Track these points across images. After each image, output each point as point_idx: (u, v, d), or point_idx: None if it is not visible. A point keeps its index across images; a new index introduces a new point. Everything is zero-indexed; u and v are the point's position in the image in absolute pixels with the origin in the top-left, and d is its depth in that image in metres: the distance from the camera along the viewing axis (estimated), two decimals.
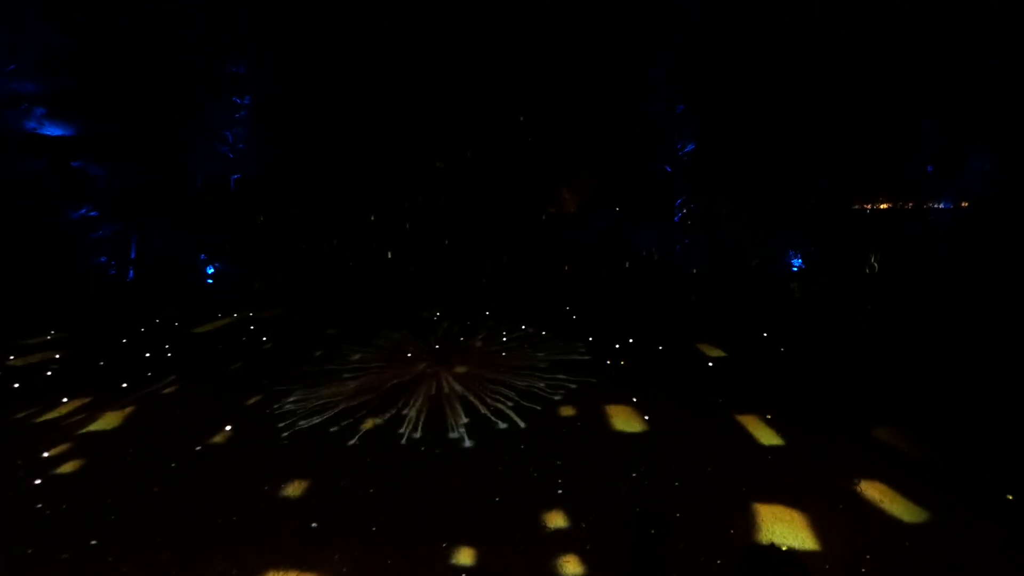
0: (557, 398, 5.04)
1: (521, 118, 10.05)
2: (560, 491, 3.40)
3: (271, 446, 4.21)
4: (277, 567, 2.79)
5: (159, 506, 3.38)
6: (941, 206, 10.12)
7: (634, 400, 4.95)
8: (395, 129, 10.34)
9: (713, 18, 10.04)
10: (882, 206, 10.12)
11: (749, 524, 3.03)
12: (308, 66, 10.35)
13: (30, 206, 9.97)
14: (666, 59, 9.90)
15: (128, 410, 5.00)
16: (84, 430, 4.58)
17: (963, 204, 9.98)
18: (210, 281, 10.64)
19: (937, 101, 10.04)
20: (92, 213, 10.48)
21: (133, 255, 10.56)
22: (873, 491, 3.35)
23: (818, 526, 2.96)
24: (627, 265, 10.40)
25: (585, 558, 2.79)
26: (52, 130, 10.30)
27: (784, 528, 2.95)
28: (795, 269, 9.97)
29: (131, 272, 10.58)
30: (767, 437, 4.17)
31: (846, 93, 10.01)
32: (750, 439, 4.16)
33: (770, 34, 9.96)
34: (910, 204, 9.96)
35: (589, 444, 4.15)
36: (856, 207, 10.12)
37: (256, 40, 10.35)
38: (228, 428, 4.52)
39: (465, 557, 2.82)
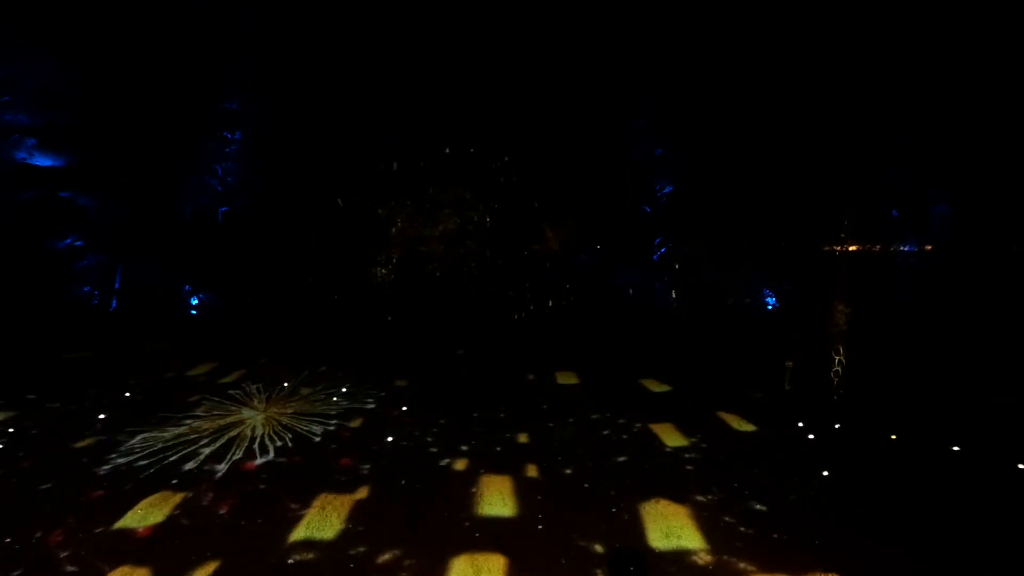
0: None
1: (506, 158, 10.40)
2: None
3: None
4: None
5: None
6: (906, 248, 10.58)
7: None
8: (382, 168, 10.62)
9: (692, 66, 10.59)
10: (851, 248, 10.52)
11: None
12: (300, 104, 10.66)
13: (17, 235, 10.03)
14: (646, 105, 10.38)
15: None
16: None
17: (927, 247, 10.46)
18: (194, 312, 10.68)
19: (902, 150, 10.61)
20: (78, 243, 10.54)
21: (117, 285, 10.60)
22: None
23: None
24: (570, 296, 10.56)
25: None
26: (42, 160, 10.42)
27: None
28: (769, 308, 10.30)
29: (114, 302, 10.59)
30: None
31: (817, 141, 10.53)
32: None
33: (747, 83, 10.51)
34: (877, 247, 10.39)
35: None
36: (826, 249, 10.51)
37: (251, 77, 10.67)
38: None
39: None
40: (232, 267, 10.71)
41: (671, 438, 4.99)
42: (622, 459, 4.49)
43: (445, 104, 10.89)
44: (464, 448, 4.71)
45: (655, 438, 5.00)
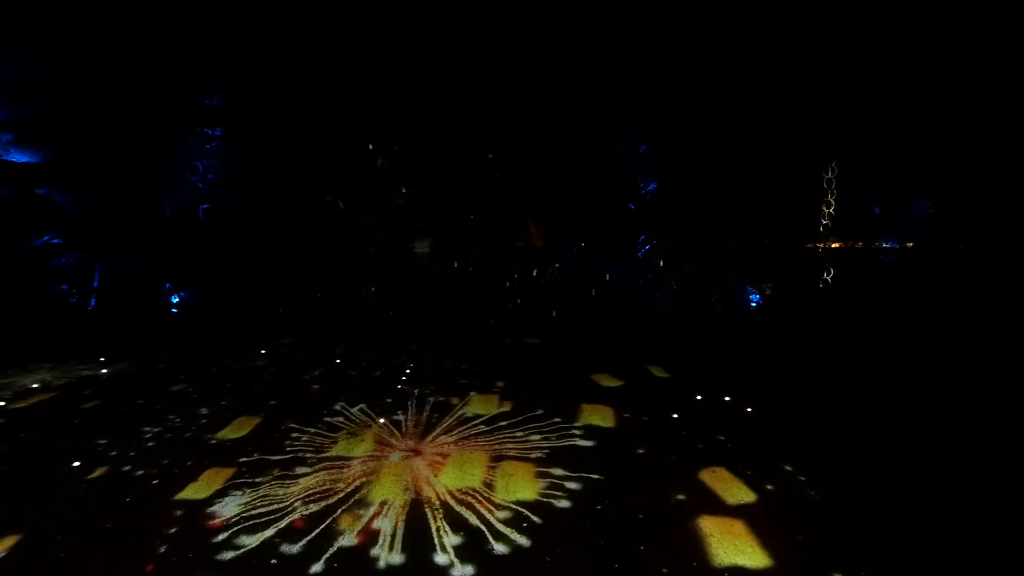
0: None
1: (490, 155, 10.36)
2: None
3: None
4: None
5: None
6: (888, 246, 10.66)
7: None
8: (365, 164, 10.55)
9: (675, 63, 10.60)
10: (833, 245, 10.58)
11: None
12: (281, 100, 10.56)
13: None
14: (630, 101, 10.38)
15: None
16: None
17: (908, 244, 10.55)
18: (175, 310, 10.54)
19: (883, 147, 10.69)
20: (55, 240, 10.37)
21: (96, 283, 10.44)
22: None
23: None
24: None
25: None
26: (18, 156, 10.24)
27: None
28: (753, 305, 10.32)
29: (93, 301, 10.43)
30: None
31: (801, 138, 10.57)
32: None
33: (729, 80, 10.53)
34: (860, 244, 10.46)
35: None
36: (809, 246, 10.56)
37: (230, 73, 10.55)
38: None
39: None
40: (213, 264, 10.59)
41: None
42: None
43: (428, 101, 10.83)
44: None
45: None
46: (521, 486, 3.92)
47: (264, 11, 10.49)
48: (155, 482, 4.00)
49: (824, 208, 10.78)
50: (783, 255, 10.65)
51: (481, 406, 5.80)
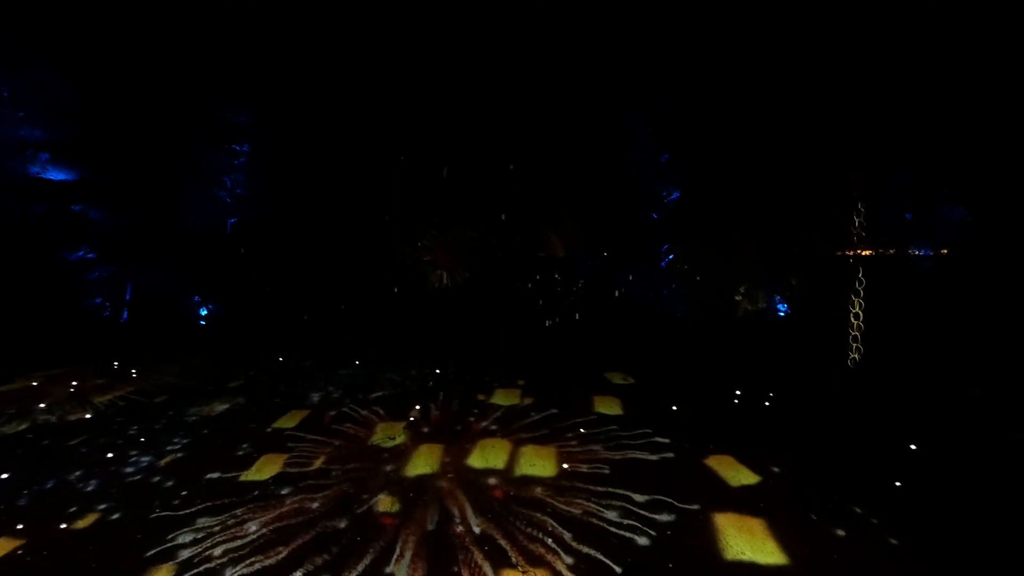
0: None
1: (511, 167, 10.37)
2: None
3: None
4: None
5: None
6: (921, 253, 10.36)
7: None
8: (388, 177, 10.65)
9: (697, 70, 10.50)
10: (865, 253, 10.33)
11: None
12: (306, 117, 10.74)
13: (31, 247, 10.18)
14: (651, 110, 10.30)
15: None
16: None
17: (942, 251, 10.23)
18: (203, 323, 10.75)
19: (914, 151, 10.41)
20: (90, 255, 10.67)
21: (128, 296, 10.70)
22: None
23: None
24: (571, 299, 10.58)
25: None
26: (55, 175, 10.59)
27: None
28: (781, 315, 10.11)
29: (125, 313, 10.69)
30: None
31: (829, 142, 10.38)
32: None
33: (753, 86, 10.39)
34: (892, 251, 10.19)
35: None
36: (839, 254, 10.33)
37: (258, 90, 10.77)
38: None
39: None
40: (241, 277, 10.78)
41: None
42: None
43: (451, 113, 10.90)
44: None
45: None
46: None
47: (292, 28, 10.69)
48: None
49: (854, 215, 10.56)
50: (812, 263, 10.43)
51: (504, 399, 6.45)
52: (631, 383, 7.17)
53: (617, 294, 10.59)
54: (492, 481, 4.23)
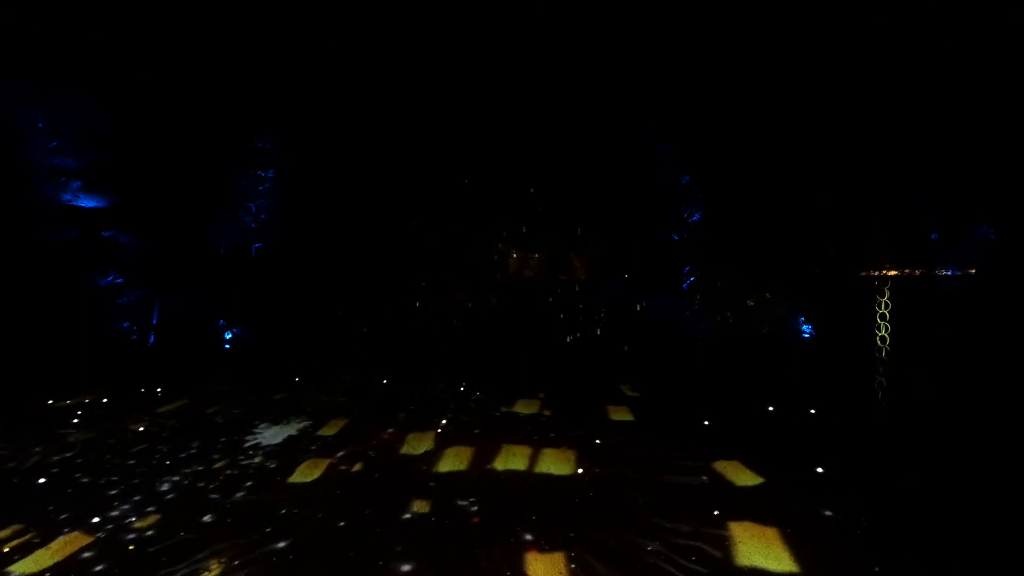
0: None
1: (532, 189, 10.44)
2: None
3: None
4: None
5: None
6: (948, 273, 10.21)
7: None
8: (410, 200, 10.78)
9: (719, 89, 10.50)
10: (889, 273, 10.21)
11: None
12: (330, 142, 10.92)
13: (63, 273, 10.44)
14: (672, 131, 10.32)
15: None
16: None
17: (970, 271, 10.08)
18: (228, 346, 10.90)
19: (941, 170, 10.30)
20: (119, 280, 10.90)
21: (155, 320, 10.90)
22: None
23: None
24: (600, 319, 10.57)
25: None
26: (86, 202, 10.86)
27: None
28: (806, 336, 10.01)
29: (152, 337, 10.89)
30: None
31: (853, 163, 10.30)
32: None
33: (775, 105, 10.37)
34: (918, 271, 10.06)
35: None
36: (864, 274, 10.22)
37: (282, 117, 10.99)
38: None
39: None
40: (265, 301, 10.94)
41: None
42: None
43: (471, 136, 11.02)
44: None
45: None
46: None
47: (315, 53, 10.90)
48: None
49: (878, 234, 10.45)
50: (836, 283, 10.33)
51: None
52: (639, 395, 7.92)
53: (639, 308, 10.59)
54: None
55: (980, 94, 9.68)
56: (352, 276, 10.98)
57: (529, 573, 3.26)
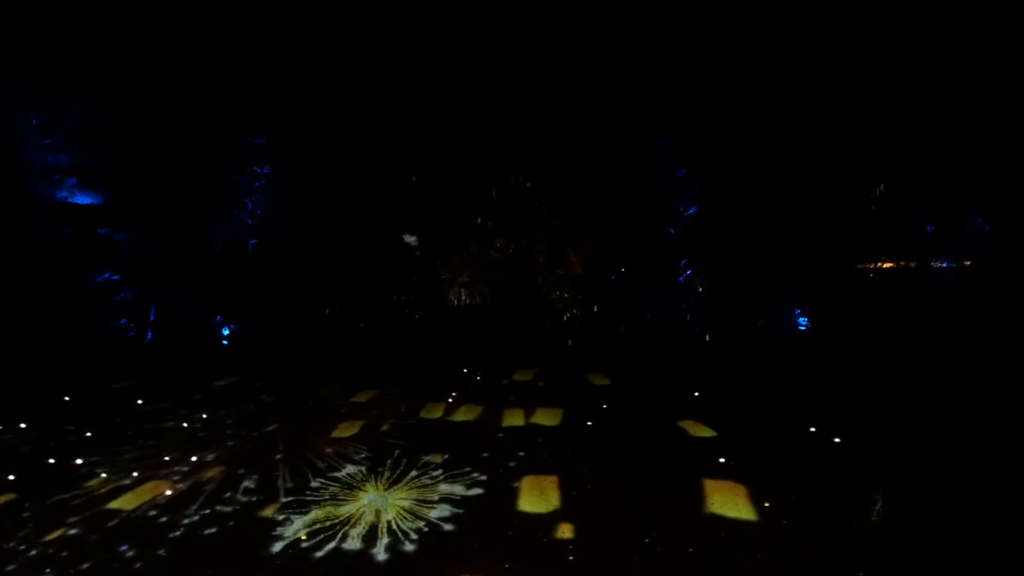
0: None
1: (528, 184, 10.44)
2: None
3: None
4: None
5: None
6: (943, 265, 10.25)
7: None
8: (405, 195, 10.77)
9: (714, 81, 10.49)
10: (885, 265, 10.25)
11: None
12: (326, 137, 10.90)
13: (59, 270, 10.42)
14: (667, 125, 10.32)
15: None
16: None
17: (965, 263, 10.12)
18: (225, 342, 10.91)
19: (936, 163, 10.32)
20: (115, 277, 10.89)
21: (152, 317, 10.90)
22: None
23: None
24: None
25: None
26: (82, 199, 10.82)
27: None
28: (802, 328, 10.05)
29: (149, 334, 10.88)
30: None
31: (848, 156, 10.30)
32: None
33: (770, 97, 10.36)
34: (913, 263, 10.09)
35: None
36: (860, 267, 10.26)
37: (278, 113, 10.95)
38: None
39: None
40: (262, 297, 10.93)
41: None
42: None
43: (466, 129, 10.99)
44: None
45: None
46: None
47: (313, 50, 10.85)
48: None
49: (874, 226, 10.46)
50: (831, 276, 10.35)
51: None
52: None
53: (633, 320, 10.62)
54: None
55: (976, 88, 9.69)
56: (349, 271, 10.97)
57: None
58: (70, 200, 10.79)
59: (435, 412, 6.52)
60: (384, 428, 5.93)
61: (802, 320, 10.09)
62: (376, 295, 10.93)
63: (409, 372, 8.75)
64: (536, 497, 4.11)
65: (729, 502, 3.88)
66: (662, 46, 10.35)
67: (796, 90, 10.35)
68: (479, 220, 10.58)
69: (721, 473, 4.44)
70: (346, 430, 5.92)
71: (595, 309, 10.71)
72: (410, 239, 11.00)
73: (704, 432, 5.54)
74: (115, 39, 10.37)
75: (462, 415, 6.38)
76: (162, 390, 7.80)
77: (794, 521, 3.60)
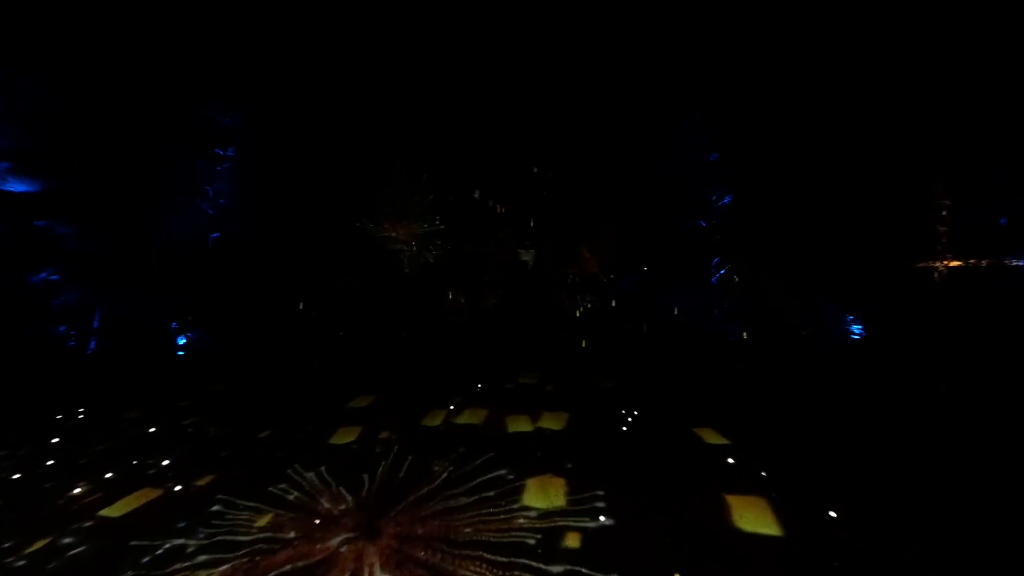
0: None
1: (535, 169, 8.99)
2: None
3: None
4: None
5: None
6: (1018, 263, 8.84)
7: None
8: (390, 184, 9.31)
9: (751, 54, 9.10)
10: (951, 264, 8.85)
11: None
12: (298, 116, 9.44)
13: None
14: (697, 104, 8.89)
15: None
16: None
17: None
18: (181, 353, 9.37)
19: (1006, 147, 8.96)
20: (54, 277, 9.37)
21: (96, 324, 9.36)
22: None
23: None
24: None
25: None
26: (16, 186, 9.35)
27: None
28: (856, 337, 8.59)
29: (92, 343, 9.34)
30: None
31: (905, 134, 8.95)
32: None
33: (816, 72, 9.01)
34: (985, 261, 8.68)
35: None
36: (921, 266, 8.84)
37: (243, 88, 9.50)
38: None
39: None
40: (225, 301, 9.40)
41: None
42: None
43: (454, 111, 9.58)
44: None
45: None
46: None
47: (281, 20, 9.47)
48: None
49: (936, 221, 9.09)
50: (889, 277, 8.96)
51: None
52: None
53: (653, 324, 9.11)
54: None
55: None
56: (327, 271, 9.46)
57: None
58: (2, 187, 9.32)
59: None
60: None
61: (856, 328, 8.62)
62: (360, 300, 9.43)
63: (402, 393, 7.15)
64: None
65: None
66: (694, 13, 8.97)
67: (844, 62, 8.99)
68: (478, 214, 9.11)
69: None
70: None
71: (611, 316, 9.22)
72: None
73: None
74: (53, 5, 8.96)
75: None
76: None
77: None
